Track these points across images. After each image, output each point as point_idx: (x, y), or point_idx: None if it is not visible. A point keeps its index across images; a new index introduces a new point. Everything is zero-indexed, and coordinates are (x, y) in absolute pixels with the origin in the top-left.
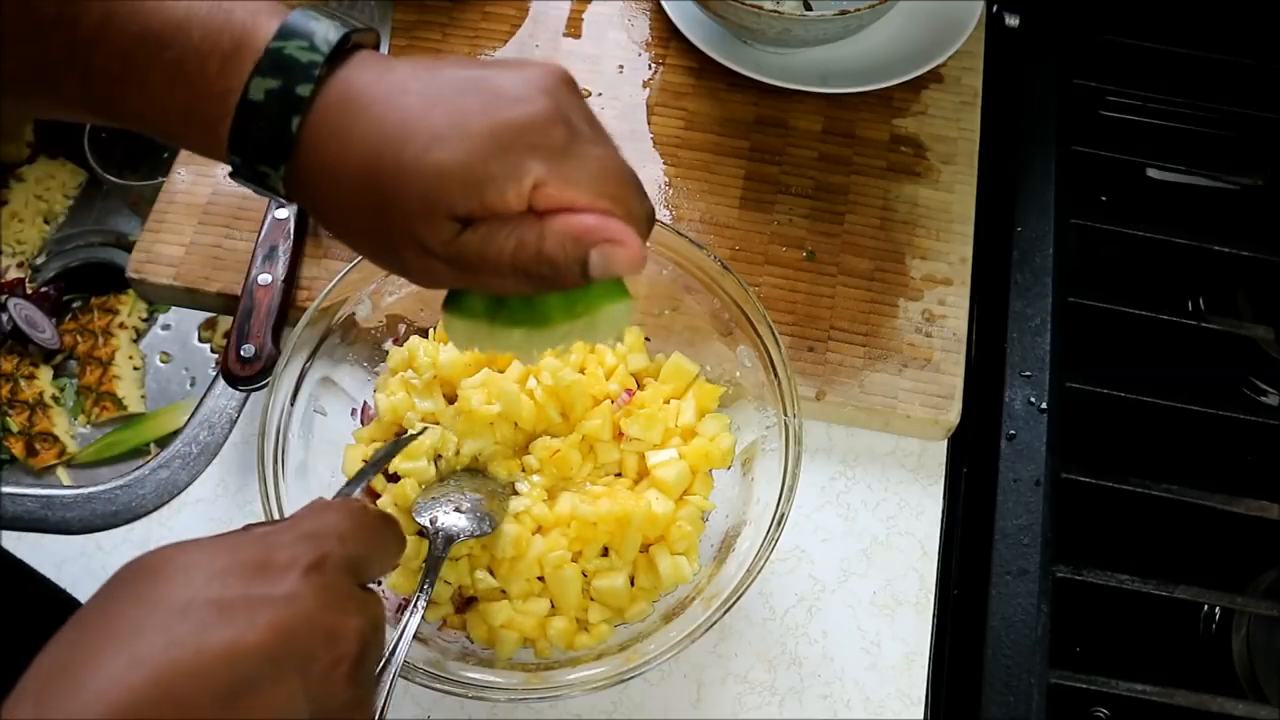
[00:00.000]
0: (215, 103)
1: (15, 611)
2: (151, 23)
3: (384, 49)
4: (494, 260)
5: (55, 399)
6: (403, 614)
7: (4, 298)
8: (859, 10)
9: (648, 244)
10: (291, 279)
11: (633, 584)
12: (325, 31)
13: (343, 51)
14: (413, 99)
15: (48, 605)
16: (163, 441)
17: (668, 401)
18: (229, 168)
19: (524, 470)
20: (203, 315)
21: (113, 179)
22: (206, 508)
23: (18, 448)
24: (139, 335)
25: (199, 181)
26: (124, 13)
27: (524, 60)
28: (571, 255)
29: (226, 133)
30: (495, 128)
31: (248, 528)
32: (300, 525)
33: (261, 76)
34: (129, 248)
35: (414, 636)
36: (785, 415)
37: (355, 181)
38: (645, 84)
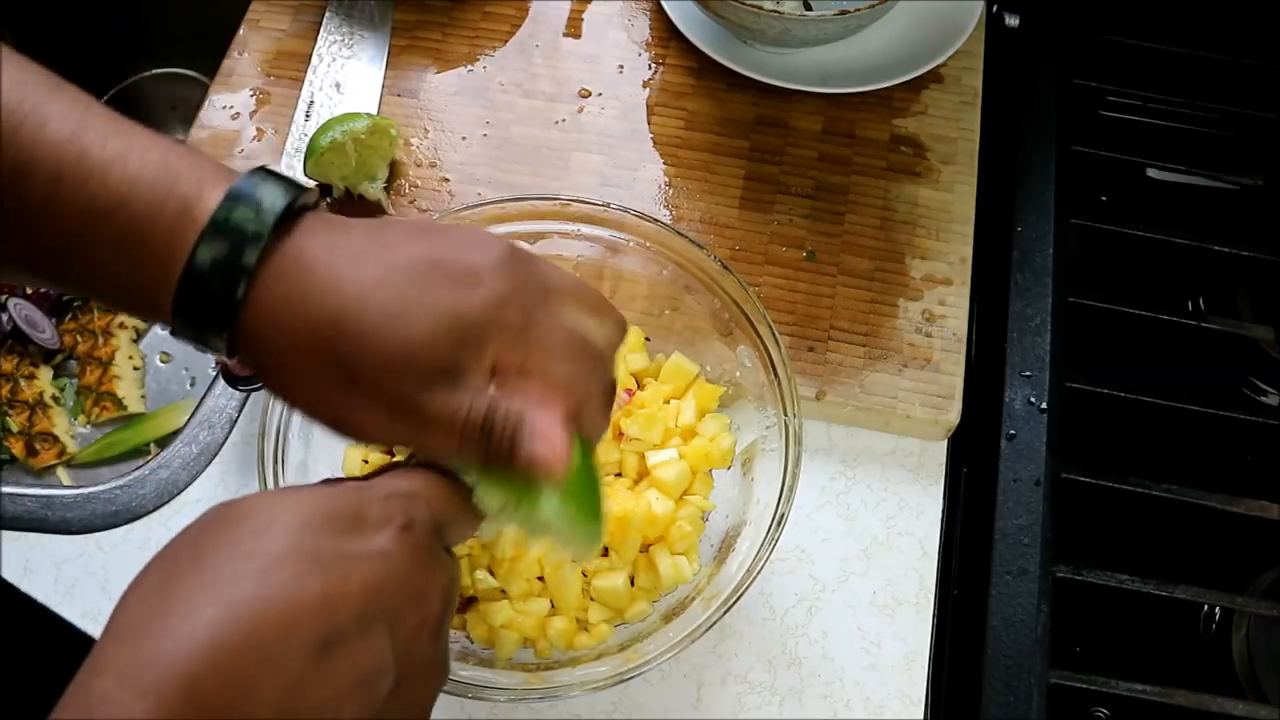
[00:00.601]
0: (159, 271)
1: (11, 634)
2: (97, 198)
3: (384, 49)
4: (447, 419)
5: (55, 399)
6: None
7: (4, 298)
8: (859, 10)
9: (646, 244)
10: None
11: (633, 584)
12: (272, 199)
13: (290, 214)
14: (369, 270)
15: (40, 630)
16: (163, 441)
17: (668, 401)
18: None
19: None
20: None
21: None
22: (206, 508)
23: (18, 448)
24: (139, 335)
25: None
26: (69, 187)
27: (472, 231)
28: (510, 430)
29: (170, 299)
30: (454, 309)
31: (332, 481)
32: (391, 484)
33: (207, 243)
34: None
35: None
36: (785, 415)
37: (312, 343)
38: (645, 84)
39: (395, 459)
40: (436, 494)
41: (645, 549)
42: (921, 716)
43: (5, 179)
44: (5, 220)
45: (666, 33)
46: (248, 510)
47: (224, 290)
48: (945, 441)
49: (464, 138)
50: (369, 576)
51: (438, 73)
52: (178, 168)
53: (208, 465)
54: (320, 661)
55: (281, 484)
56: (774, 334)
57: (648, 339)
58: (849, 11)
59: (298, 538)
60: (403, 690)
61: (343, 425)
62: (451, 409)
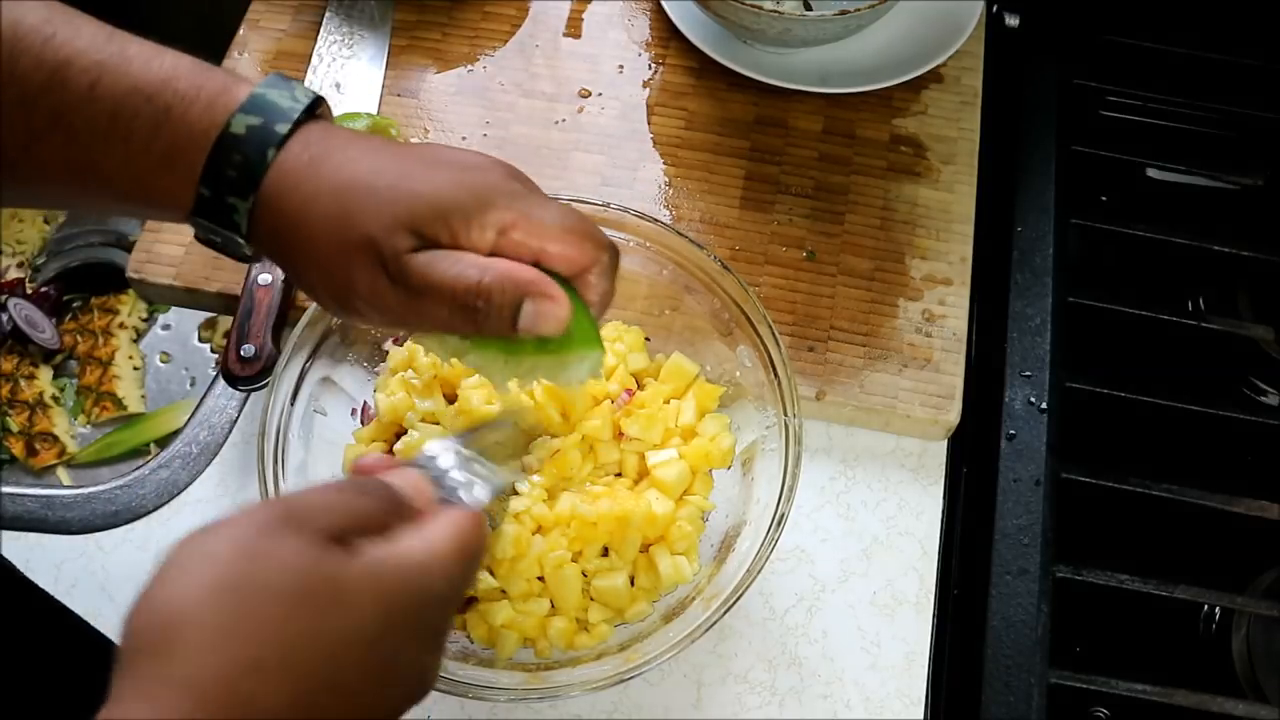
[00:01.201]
0: (196, 140)
1: (11, 620)
2: (140, 78)
3: (384, 49)
4: (436, 284)
5: (55, 399)
6: None
7: (4, 298)
8: (859, 10)
9: (646, 244)
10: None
11: (633, 584)
12: (304, 92)
13: (317, 105)
14: (385, 155)
15: (41, 614)
16: (163, 441)
17: (668, 401)
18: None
19: (524, 470)
20: (203, 315)
21: None
22: (206, 508)
23: (18, 448)
24: (139, 335)
25: None
26: (113, 72)
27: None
28: (507, 298)
29: (199, 172)
30: (464, 173)
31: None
32: (453, 574)
33: (244, 114)
34: (129, 248)
35: None
36: (785, 415)
37: (324, 208)
38: (645, 84)
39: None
40: (472, 566)
41: (645, 549)
42: (921, 716)
43: (45, 76)
44: (49, 112)
45: (666, 33)
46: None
47: (256, 154)
48: (945, 441)
49: (464, 138)
50: (417, 694)
51: (438, 73)
52: (208, 66)
53: (208, 465)
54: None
55: (282, 484)
56: (774, 334)
57: (648, 339)
58: (849, 11)
59: (392, 654)
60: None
61: (345, 294)
62: (451, 273)
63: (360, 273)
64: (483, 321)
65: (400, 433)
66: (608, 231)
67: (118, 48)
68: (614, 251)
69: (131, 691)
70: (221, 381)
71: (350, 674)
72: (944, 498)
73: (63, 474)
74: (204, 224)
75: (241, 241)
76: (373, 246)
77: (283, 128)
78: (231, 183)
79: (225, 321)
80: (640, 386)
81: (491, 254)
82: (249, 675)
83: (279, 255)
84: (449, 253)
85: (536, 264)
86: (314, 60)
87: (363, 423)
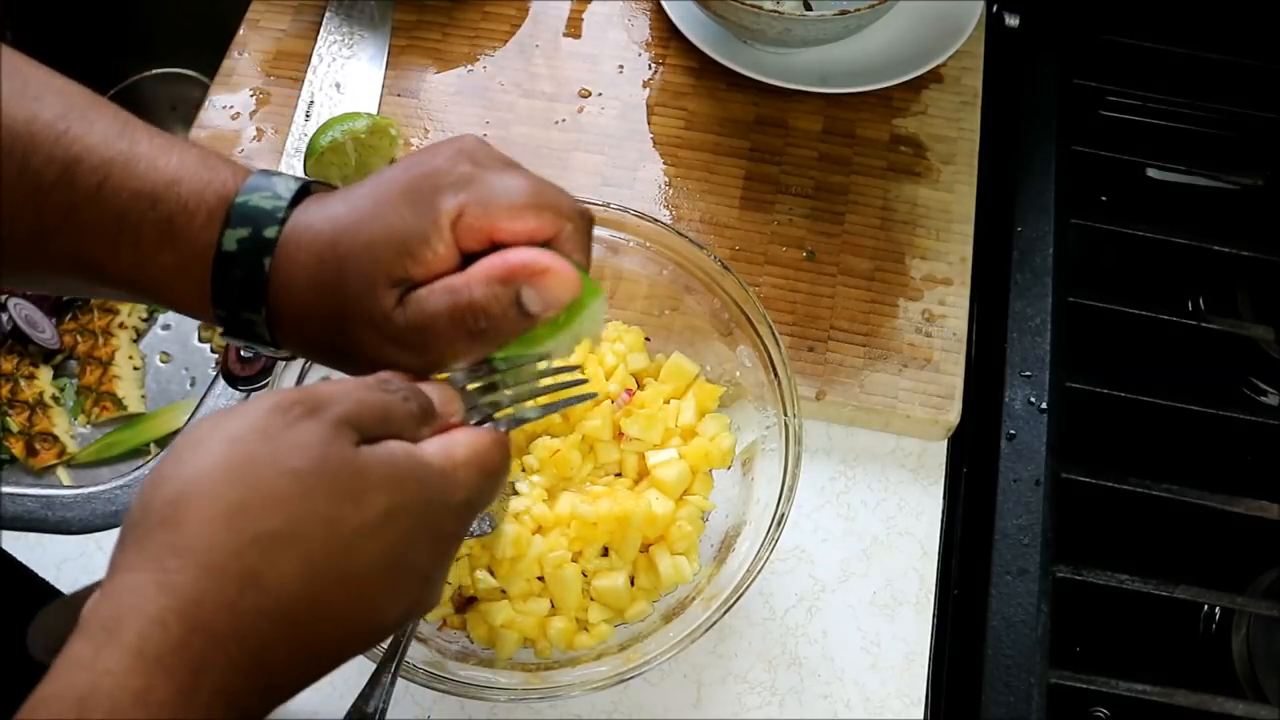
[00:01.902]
0: (200, 257)
1: (12, 610)
2: (146, 181)
3: (384, 49)
4: (435, 327)
5: (55, 399)
6: None
7: (4, 298)
8: (859, 10)
9: (646, 244)
10: None
11: (633, 584)
12: (286, 183)
13: (304, 194)
14: (340, 206)
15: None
16: (163, 441)
17: (668, 401)
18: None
19: (524, 470)
20: None
21: None
22: None
23: (18, 448)
24: (139, 335)
25: None
26: (120, 173)
27: (453, 140)
28: (503, 299)
29: (209, 286)
30: (407, 183)
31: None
32: (473, 484)
33: (232, 229)
34: None
35: (414, 636)
36: (785, 415)
37: (313, 295)
38: (645, 84)
39: None
40: (495, 482)
41: (645, 549)
42: (921, 716)
43: (56, 172)
44: (59, 209)
45: (666, 33)
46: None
47: (253, 267)
48: (945, 441)
49: None
50: (426, 603)
51: (438, 73)
52: (214, 161)
53: None
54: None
55: None
56: (774, 334)
57: (648, 339)
58: (849, 11)
59: (400, 551)
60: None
61: (374, 369)
62: (437, 308)
63: (374, 349)
64: (497, 333)
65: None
66: (608, 232)
67: (127, 144)
68: (582, 217)
69: (137, 558)
70: (221, 381)
71: (360, 565)
72: (944, 498)
73: (63, 474)
74: (235, 341)
75: (274, 350)
76: (365, 319)
77: (271, 232)
78: (240, 300)
79: None
80: (640, 386)
81: (467, 257)
82: (257, 550)
83: (309, 356)
84: (429, 289)
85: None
86: (314, 60)
87: None
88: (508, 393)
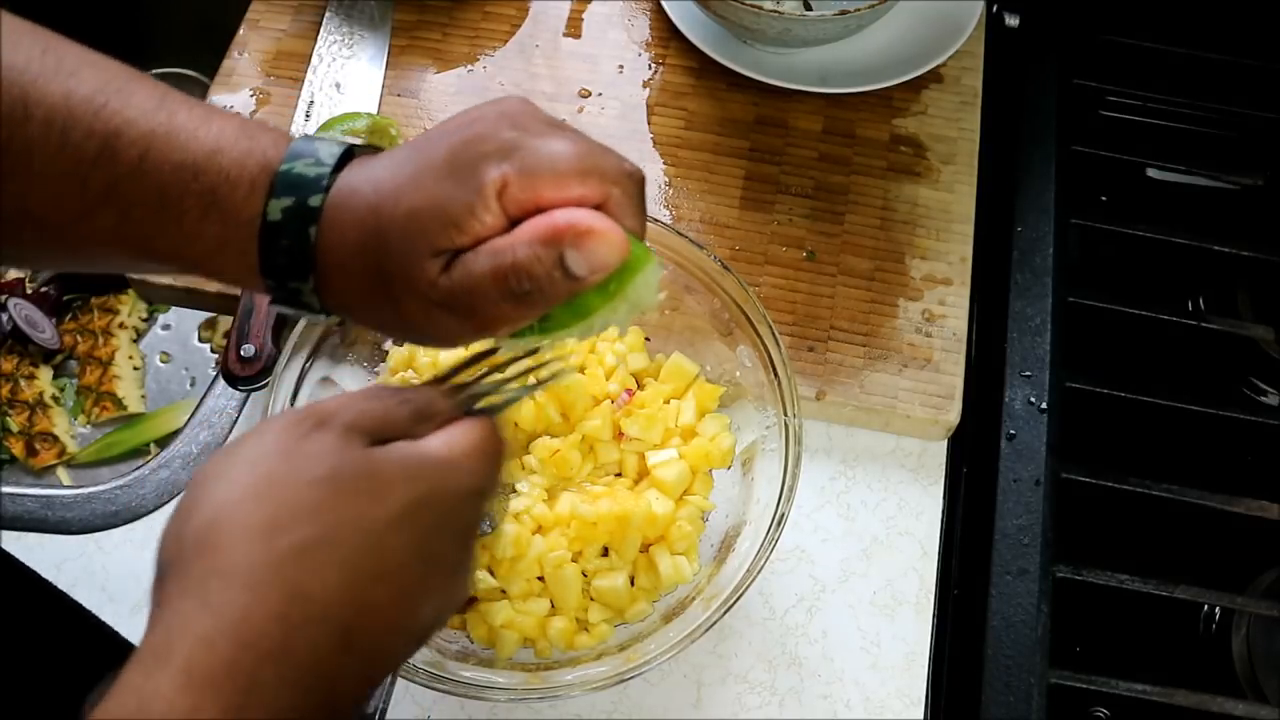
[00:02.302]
0: (245, 228)
1: (14, 611)
2: (187, 153)
3: (384, 49)
4: (480, 290)
5: (55, 399)
6: None
7: (4, 298)
8: (859, 10)
9: (648, 241)
10: None
11: (633, 584)
12: (329, 148)
13: (347, 158)
14: (384, 171)
15: (45, 605)
16: (163, 441)
17: (668, 401)
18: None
19: (524, 470)
20: (203, 315)
21: None
22: None
23: (18, 448)
24: (139, 335)
25: None
26: (161, 145)
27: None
28: (546, 261)
29: (255, 257)
30: (449, 152)
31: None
32: (480, 472)
33: (277, 199)
34: None
35: None
36: (785, 415)
37: (358, 261)
38: (645, 84)
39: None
40: (494, 466)
41: (645, 549)
42: (921, 716)
43: (97, 147)
44: (102, 185)
45: (666, 33)
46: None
47: (299, 237)
48: (945, 441)
49: None
50: (461, 596)
51: (438, 73)
52: (255, 129)
53: None
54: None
55: None
56: (774, 334)
57: (648, 339)
58: (849, 11)
59: (425, 544)
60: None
61: (419, 330)
62: (482, 271)
63: (420, 314)
64: (542, 296)
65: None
66: None
67: (166, 116)
68: (631, 179)
69: (178, 589)
70: (221, 381)
71: (393, 560)
72: (944, 498)
73: (63, 474)
74: (286, 310)
75: (324, 317)
76: (411, 289)
77: (316, 200)
78: (287, 269)
79: (225, 321)
80: (640, 386)
81: (514, 223)
82: (296, 560)
83: (362, 323)
84: (473, 253)
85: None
86: (314, 60)
87: None
88: (488, 381)
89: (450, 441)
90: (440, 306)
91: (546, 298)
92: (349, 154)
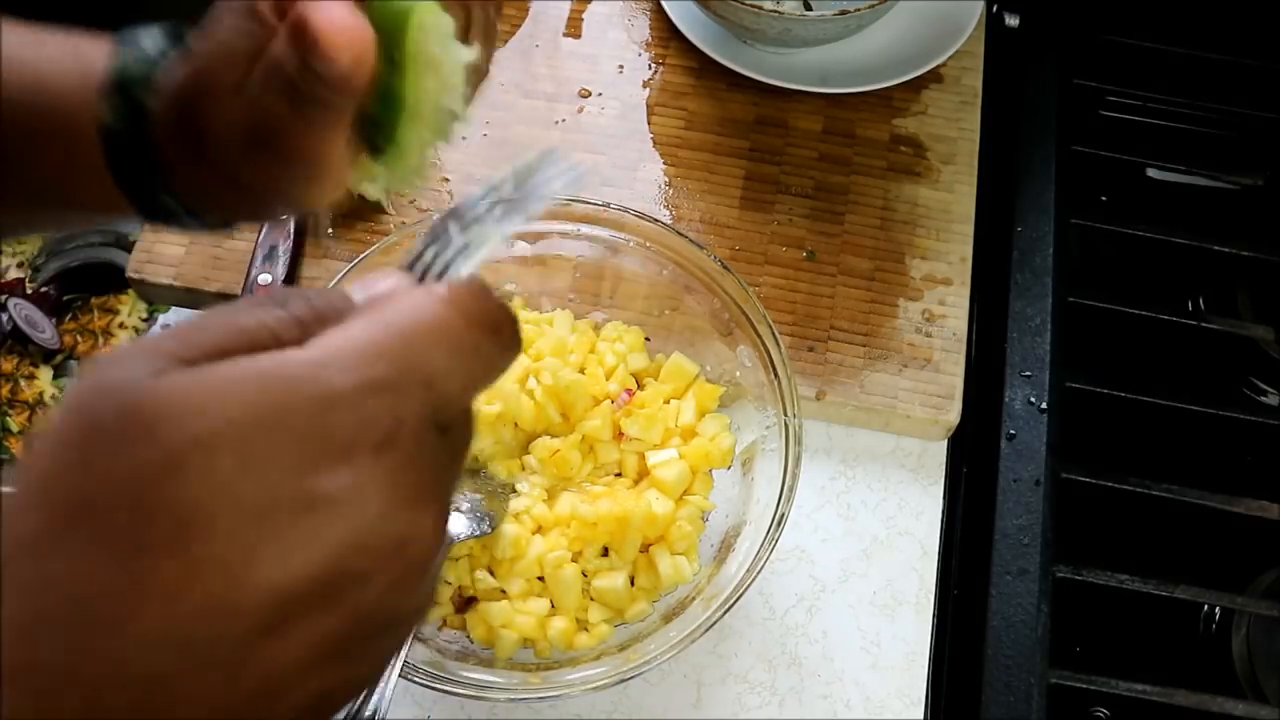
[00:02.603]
0: (91, 145)
1: None
2: (24, 79)
3: None
4: (262, 107)
5: (55, 399)
6: None
7: (4, 298)
8: (859, 10)
9: (646, 244)
10: (291, 279)
11: (633, 584)
12: (153, 39)
13: (173, 47)
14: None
15: None
16: None
17: (668, 401)
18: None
19: (524, 470)
20: None
21: None
22: None
23: (18, 448)
24: (139, 335)
25: None
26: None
27: None
28: (295, 57)
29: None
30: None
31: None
32: (376, 361)
33: (110, 103)
34: (129, 248)
35: (414, 636)
36: (785, 415)
37: (189, 143)
38: (645, 84)
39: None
40: (449, 358)
41: (645, 549)
42: (921, 716)
43: None
44: None
45: (666, 33)
46: (179, 443)
47: (135, 137)
48: (945, 441)
49: (464, 137)
50: (327, 540)
51: None
52: (84, 45)
53: None
54: (260, 646)
55: None
56: (774, 334)
57: (648, 339)
58: (849, 11)
59: (243, 488)
60: (369, 645)
61: (258, 199)
62: (255, 87)
63: (251, 175)
64: (320, 99)
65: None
66: (608, 232)
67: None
68: None
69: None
70: None
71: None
72: (944, 498)
73: None
74: (163, 226)
75: (203, 225)
76: (226, 144)
77: (146, 96)
78: (137, 174)
79: None
80: (640, 386)
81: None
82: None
83: (214, 204)
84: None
85: None
86: None
87: None
88: (460, 239)
89: (338, 337)
90: (251, 149)
91: (330, 102)
92: (178, 36)
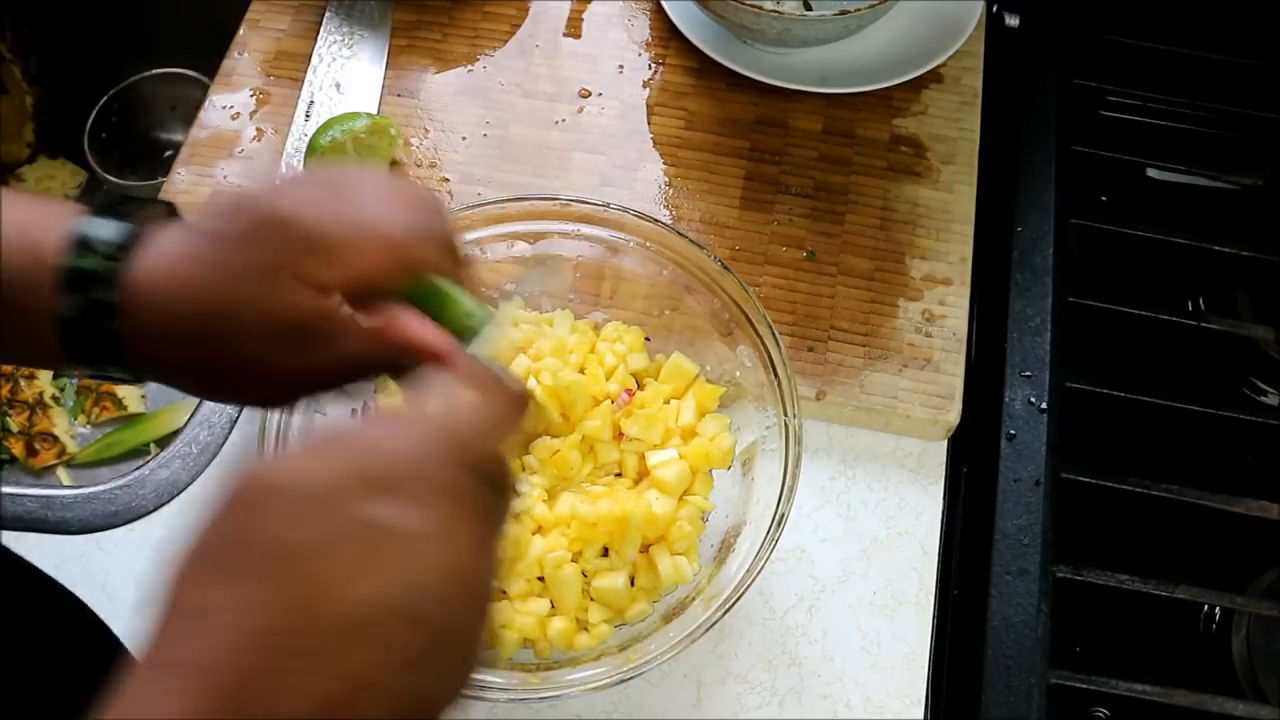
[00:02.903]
0: (50, 326)
1: (16, 609)
2: None
3: (384, 49)
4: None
5: (55, 399)
6: None
7: None
8: (859, 10)
9: (646, 244)
10: None
11: (633, 584)
12: (109, 230)
13: (131, 242)
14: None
15: (47, 602)
16: (163, 441)
17: (668, 401)
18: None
19: (524, 470)
20: None
21: (113, 179)
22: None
23: (18, 448)
24: None
25: (199, 181)
26: None
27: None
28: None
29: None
30: (253, 259)
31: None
32: (431, 426)
33: (66, 295)
34: None
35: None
36: (785, 415)
37: (198, 338)
38: (645, 84)
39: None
40: (491, 423)
41: (645, 549)
42: (921, 716)
43: None
44: None
45: (666, 33)
46: (264, 495)
47: (98, 331)
48: (945, 441)
49: (464, 138)
50: (405, 568)
51: (438, 73)
52: (36, 217)
53: (208, 465)
54: (347, 652)
55: None
56: (774, 334)
57: (648, 339)
58: (849, 11)
59: (315, 529)
60: (439, 657)
61: (252, 387)
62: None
63: (261, 349)
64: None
65: None
66: (608, 232)
67: None
68: (438, 207)
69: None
70: None
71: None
72: (944, 498)
73: (63, 474)
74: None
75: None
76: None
77: (109, 295)
78: (95, 358)
79: None
80: (640, 386)
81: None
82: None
83: (181, 387)
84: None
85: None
86: (314, 60)
87: None
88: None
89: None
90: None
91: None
92: (134, 232)
